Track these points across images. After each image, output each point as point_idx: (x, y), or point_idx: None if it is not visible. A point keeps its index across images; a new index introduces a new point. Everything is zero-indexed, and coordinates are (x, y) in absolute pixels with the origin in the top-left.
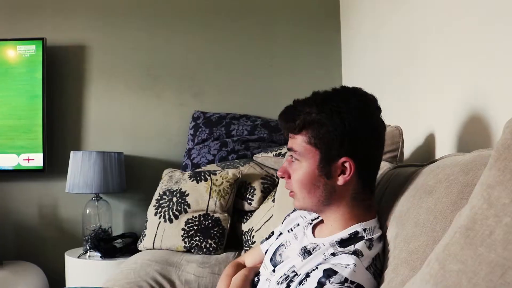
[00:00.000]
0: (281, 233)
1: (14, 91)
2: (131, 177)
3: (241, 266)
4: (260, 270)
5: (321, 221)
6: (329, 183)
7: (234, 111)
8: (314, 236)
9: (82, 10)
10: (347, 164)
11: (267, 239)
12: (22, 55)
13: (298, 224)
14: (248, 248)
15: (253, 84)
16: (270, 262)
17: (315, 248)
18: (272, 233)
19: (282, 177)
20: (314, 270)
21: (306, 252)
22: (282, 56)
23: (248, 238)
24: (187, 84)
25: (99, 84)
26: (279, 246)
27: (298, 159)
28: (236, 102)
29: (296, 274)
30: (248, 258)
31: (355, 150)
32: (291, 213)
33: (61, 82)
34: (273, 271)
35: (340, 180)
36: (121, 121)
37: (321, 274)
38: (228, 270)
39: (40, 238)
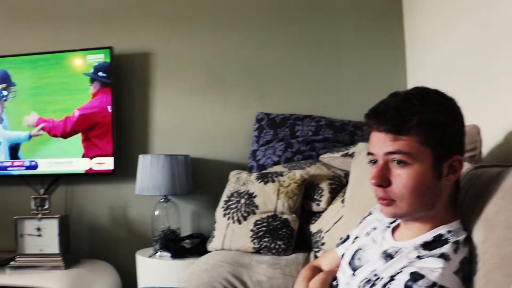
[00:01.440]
0: (357, 237)
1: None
2: (197, 179)
3: (317, 269)
4: (338, 274)
5: (400, 224)
6: (438, 184)
7: (297, 112)
8: (394, 240)
9: (146, 18)
10: (456, 163)
11: (342, 242)
12: (92, 64)
13: (375, 228)
14: (317, 250)
15: (316, 84)
16: (349, 266)
17: (397, 251)
18: (348, 236)
19: (379, 186)
20: (399, 273)
21: (388, 256)
22: (346, 56)
23: (317, 239)
24: (251, 86)
25: (164, 89)
26: (357, 250)
27: (407, 161)
28: (300, 103)
29: (379, 277)
30: (324, 261)
31: (462, 147)
32: (366, 216)
33: (128, 89)
34: (353, 275)
35: (449, 180)
36: (186, 124)
37: (408, 277)
38: (305, 273)
39: (112, 238)
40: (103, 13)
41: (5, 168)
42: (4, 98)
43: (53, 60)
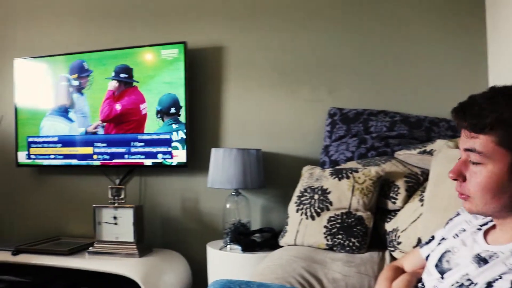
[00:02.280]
0: (443, 238)
1: (159, 93)
2: (268, 173)
3: (399, 270)
4: (423, 276)
5: (493, 227)
6: None
7: (370, 107)
8: (487, 243)
9: (219, 13)
10: None
11: (427, 243)
12: (166, 58)
13: (464, 230)
14: (393, 249)
15: (390, 78)
16: (436, 268)
17: (492, 256)
18: (432, 237)
19: (454, 180)
20: (497, 280)
21: (481, 260)
22: (420, 49)
23: (393, 238)
24: (321, 81)
25: (236, 83)
26: (445, 252)
27: (481, 161)
28: (372, 98)
29: (472, 282)
30: (406, 262)
31: None
32: (454, 217)
33: (201, 82)
34: (441, 278)
35: None
36: (257, 119)
37: (509, 285)
38: (387, 274)
39: (183, 229)
40: (177, 9)
41: (85, 158)
42: (79, 87)
43: (128, 55)
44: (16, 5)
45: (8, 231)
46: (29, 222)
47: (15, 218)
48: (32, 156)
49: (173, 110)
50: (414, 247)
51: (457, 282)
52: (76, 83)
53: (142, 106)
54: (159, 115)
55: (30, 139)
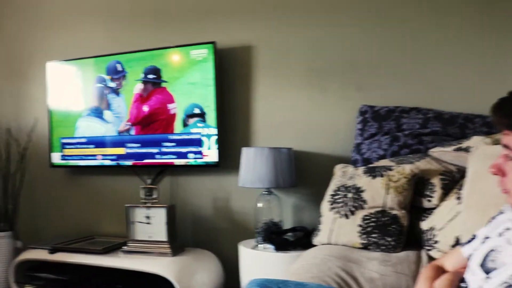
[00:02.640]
0: (487, 237)
1: (188, 92)
2: (299, 172)
3: (440, 269)
4: (466, 276)
5: None
6: None
7: (401, 104)
8: None
9: (248, 12)
10: None
11: (468, 242)
12: (196, 58)
13: (508, 228)
14: (429, 248)
15: (421, 74)
16: (480, 268)
17: None
18: (474, 236)
19: (495, 174)
20: None
21: None
22: (452, 43)
23: (429, 237)
24: (352, 78)
25: (266, 82)
26: (490, 251)
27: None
28: (404, 95)
29: None
30: (447, 261)
31: None
32: (496, 215)
33: (230, 82)
34: (487, 277)
35: None
36: (288, 117)
37: None
38: (427, 273)
39: (214, 228)
40: (206, 9)
41: (117, 159)
42: (114, 88)
43: (157, 56)
44: (48, 9)
45: (44, 230)
46: (64, 221)
47: (50, 218)
48: (66, 157)
49: (197, 111)
50: (452, 246)
51: (505, 282)
52: (111, 84)
53: (170, 106)
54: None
55: (64, 141)
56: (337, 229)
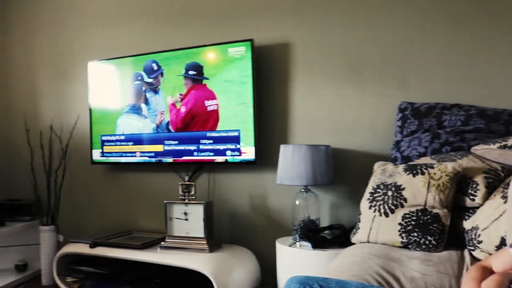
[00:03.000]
0: None
1: (227, 90)
2: (337, 170)
3: (488, 270)
4: None
5: None
6: None
7: (442, 101)
8: None
9: (286, 10)
10: None
11: None
12: (233, 56)
13: None
14: (473, 248)
15: (463, 71)
16: None
17: None
18: None
19: None
20: None
21: None
22: (495, 39)
23: (472, 236)
24: (391, 75)
25: (304, 79)
26: None
27: None
28: (445, 91)
29: None
30: (495, 262)
31: None
32: None
33: (268, 79)
34: None
35: None
36: (326, 114)
37: None
38: (474, 273)
39: (251, 225)
40: (244, 6)
41: (155, 156)
42: (152, 86)
43: (196, 54)
44: (89, 10)
45: (84, 225)
46: (103, 216)
47: (91, 213)
48: (106, 154)
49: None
50: (496, 246)
51: None
52: (149, 81)
53: (208, 103)
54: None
55: (104, 138)
56: (376, 227)
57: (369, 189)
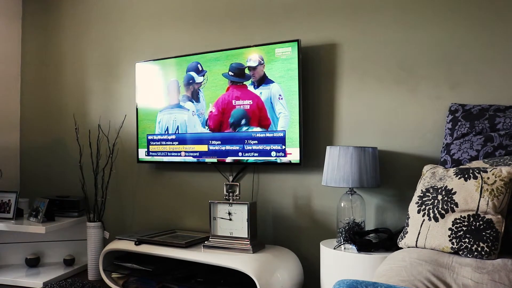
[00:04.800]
0: None
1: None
2: (384, 172)
3: None
4: None
5: None
6: None
7: (496, 103)
8: None
9: (332, 10)
10: None
11: None
12: (280, 57)
13: None
14: None
15: None
16: None
17: None
18: None
19: None
20: None
21: None
22: None
23: None
24: (443, 76)
25: (351, 80)
26: None
27: None
28: (500, 93)
29: None
30: None
31: None
32: None
33: (314, 80)
34: None
35: None
36: (372, 116)
37: None
38: None
39: (295, 226)
40: (290, 7)
41: (200, 155)
42: (196, 86)
43: (242, 55)
44: (136, 12)
45: (129, 222)
46: (147, 214)
47: (135, 211)
48: (151, 153)
49: (244, 121)
50: None
51: None
52: (194, 82)
53: (245, 103)
54: (231, 127)
55: (150, 137)
56: (425, 231)
57: (417, 192)
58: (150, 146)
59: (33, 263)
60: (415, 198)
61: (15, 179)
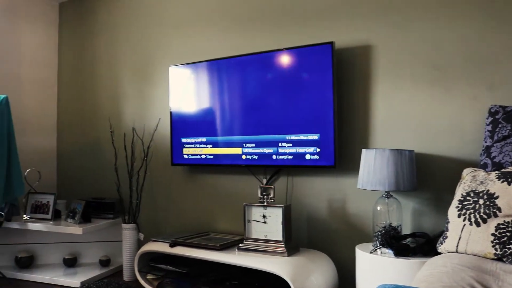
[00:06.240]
0: None
1: (307, 94)
2: (420, 175)
3: None
4: None
5: None
6: None
7: None
8: None
9: (365, 11)
10: None
11: None
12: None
13: None
14: None
15: None
16: None
17: None
18: None
19: None
20: None
21: None
22: None
23: None
24: (480, 76)
25: (385, 82)
26: None
27: None
28: None
29: None
30: None
31: None
32: None
33: (349, 82)
34: None
35: None
36: (408, 118)
37: None
38: None
39: (330, 230)
40: (323, 9)
41: (234, 158)
42: (225, 90)
43: (274, 58)
44: (170, 16)
45: (163, 224)
46: (181, 217)
47: (169, 213)
48: (185, 156)
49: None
50: None
51: None
52: (223, 86)
53: (279, 105)
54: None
55: (183, 140)
56: (466, 236)
57: (457, 196)
58: (184, 149)
59: (71, 263)
60: (455, 202)
61: (53, 181)
